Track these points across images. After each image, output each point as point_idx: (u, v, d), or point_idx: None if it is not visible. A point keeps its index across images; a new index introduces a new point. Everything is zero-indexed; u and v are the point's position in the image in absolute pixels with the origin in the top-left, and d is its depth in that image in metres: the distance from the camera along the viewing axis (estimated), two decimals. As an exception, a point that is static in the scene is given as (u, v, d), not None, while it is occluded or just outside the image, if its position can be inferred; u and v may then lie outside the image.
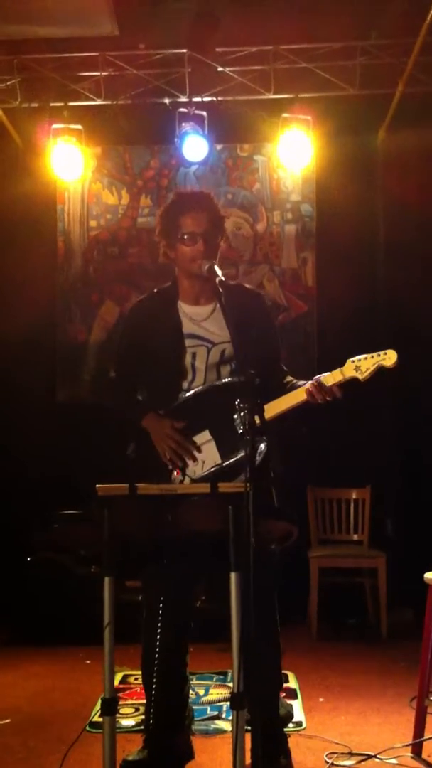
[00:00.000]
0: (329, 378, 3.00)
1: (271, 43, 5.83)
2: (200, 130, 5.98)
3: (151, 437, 3.15)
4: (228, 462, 3.04)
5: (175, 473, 3.09)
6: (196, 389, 3.19)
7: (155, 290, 3.42)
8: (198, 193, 3.41)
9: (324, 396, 2.99)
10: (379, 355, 2.95)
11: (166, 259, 3.36)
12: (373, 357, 2.96)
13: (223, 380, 3.17)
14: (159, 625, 3.16)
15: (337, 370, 3.00)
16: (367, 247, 6.41)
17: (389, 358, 2.94)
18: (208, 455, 3.09)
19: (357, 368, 2.96)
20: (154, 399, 3.25)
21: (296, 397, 3.05)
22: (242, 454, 2.92)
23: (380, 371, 2.94)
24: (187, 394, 3.19)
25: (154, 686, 3.18)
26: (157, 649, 3.18)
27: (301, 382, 3.16)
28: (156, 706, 3.18)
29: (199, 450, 3.10)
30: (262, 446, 2.97)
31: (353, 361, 2.98)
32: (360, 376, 2.96)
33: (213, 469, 3.06)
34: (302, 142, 5.93)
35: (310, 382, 3.05)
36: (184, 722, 3.30)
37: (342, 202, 6.31)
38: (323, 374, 3.03)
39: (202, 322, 3.26)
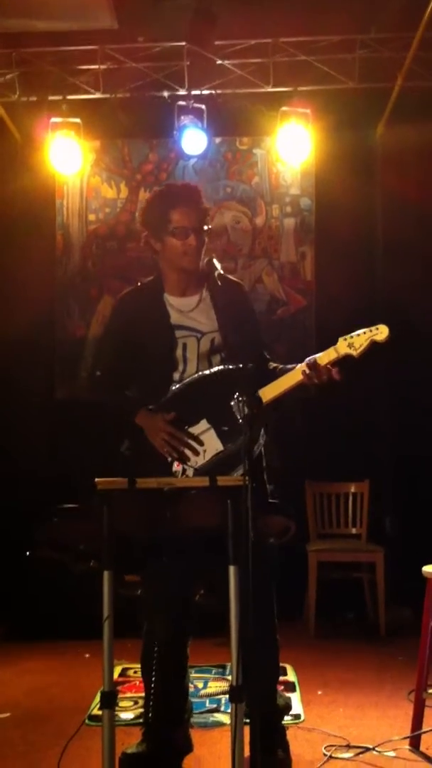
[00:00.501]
0: (323, 357, 3.00)
1: (270, 36, 5.82)
2: (199, 123, 5.98)
3: (145, 433, 3.14)
4: (230, 446, 3.02)
5: (176, 465, 3.09)
6: (187, 379, 3.18)
7: (138, 284, 3.41)
8: (187, 185, 3.40)
9: (320, 376, 2.98)
10: (371, 330, 2.98)
11: (149, 250, 3.33)
12: (365, 333, 2.97)
13: (216, 368, 3.16)
14: (158, 618, 3.17)
15: (331, 349, 3.00)
16: (365, 241, 6.40)
17: (381, 332, 2.97)
18: (208, 444, 3.08)
19: (350, 345, 2.97)
20: (145, 393, 3.24)
21: (292, 378, 3.04)
22: (242, 439, 2.94)
23: (374, 347, 2.96)
24: (179, 385, 3.18)
25: (153, 679, 3.18)
26: (156, 643, 3.18)
27: (290, 366, 3.15)
28: (155, 700, 3.19)
29: (197, 440, 3.08)
30: (261, 436, 2.97)
31: (345, 339, 2.99)
32: (354, 353, 2.96)
33: (215, 456, 3.05)
34: (301, 135, 5.92)
35: (303, 363, 3.04)
36: (183, 715, 3.30)
37: (341, 195, 6.30)
38: (317, 354, 3.02)
39: (190, 313, 3.26)
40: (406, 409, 6.05)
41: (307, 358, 3.03)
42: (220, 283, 3.20)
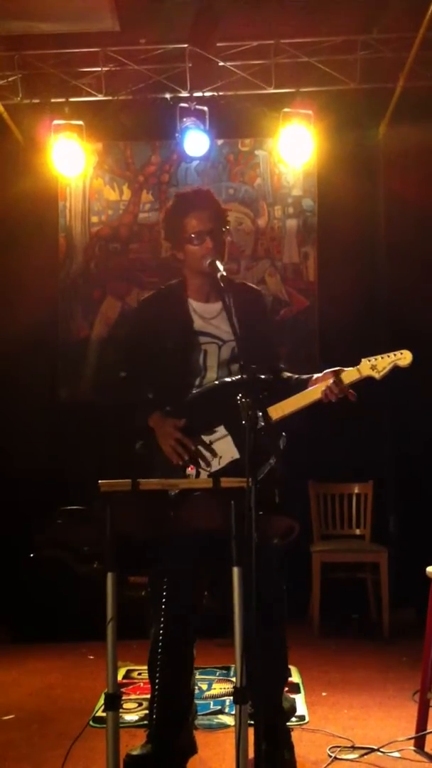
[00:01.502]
0: (346, 376, 3.05)
1: (271, 38, 5.83)
2: (201, 125, 5.98)
3: (156, 436, 3.17)
4: (237, 458, 3.05)
5: (189, 469, 3.11)
6: (207, 386, 3.21)
7: (162, 287, 3.43)
8: (198, 191, 3.39)
9: (339, 395, 3.04)
10: (395, 354, 3.04)
11: (175, 262, 3.37)
12: (389, 356, 3.04)
13: (237, 377, 3.17)
14: (163, 620, 3.17)
15: (354, 369, 3.06)
16: (368, 241, 6.40)
17: (405, 357, 3.03)
18: (224, 450, 3.11)
19: (373, 367, 3.04)
20: (165, 396, 3.26)
21: (311, 395, 3.08)
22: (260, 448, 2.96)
23: (395, 370, 3.03)
24: (198, 391, 3.21)
25: (157, 681, 3.19)
26: (161, 644, 3.19)
27: (305, 377, 3.20)
28: (159, 701, 3.19)
29: (208, 448, 3.11)
30: (282, 443, 3.01)
31: (369, 360, 3.05)
32: (377, 375, 3.04)
33: (230, 464, 3.08)
34: (303, 136, 5.93)
35: (320, 376, 3.09)
36: (187, 717, 3.30)
37: (343, 196, 6.30)
38: (336, 369, 3.06)
39: (212, 320, 3.27)
40: (410, 410, 6.05)
41: (325, 372, 3.08)
42: (233, 290, 3.21)
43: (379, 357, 3.05)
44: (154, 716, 3.21)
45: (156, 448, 3.17)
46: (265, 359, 3.13)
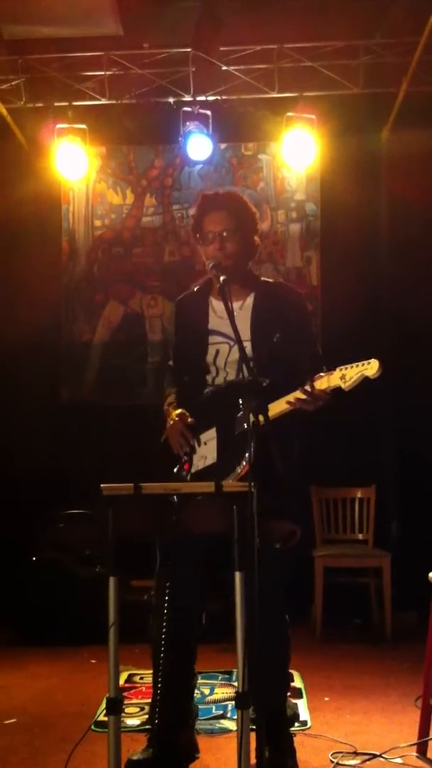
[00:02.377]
0: (318, 384, 2.95)
1: (275, 42, 5.83)
2: (204, 129, 5.99)
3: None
4: (220, 460, 3.08)
5: (185, 466, 3.15)
6: (215, 387, 3.25)
7: (196, 286, 3.46)
8: (222, 193, 3.40)
9: (316, 403, 2.96)
10: (362, 364, 2.87)
11: (199, 261, 3.46)
12: (356, 366, 2.88)
13: (237, 378, 3.19)
14: (165, 622, 3.17)
15: (325, 378, 2.94)
16: (371, 245, 6.40)
17: (371, 367, 2.85)
18: (209, 452, 3.13)
19: (342, 377, 2.90)
20: (186, 392, 3.33)
21: (279, 406, 3.01)
22: (235, 454, 2.98)
23: (366, 381, 2.87)
24: (209, 390, 3.26)
25: (159, 683, 3.18)
26: (163, 647, 3.18)
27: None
28: (161, 705, 3.19)
29: (198, 443, 3.17)
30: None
31: (340, 369, 2.92)
32: (343, 385, 2.89)
33: (209, 466, 3.11)
34: (306, 140, 5.94)
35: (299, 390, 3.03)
36: (188, 721, 3.30)
37: (346, 201, 6.30)
38: (317, 379, 2.99)
39: (227, 319, 3.25)
40: (412, 414, 6.04)
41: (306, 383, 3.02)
42: (271, 291, 3.22)
43: (348, 366, 2.90)
44: (156, 719, 3.21)
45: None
46: (291, 360, 3.12)
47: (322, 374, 2.97)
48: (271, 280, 3.52)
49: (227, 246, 3.22)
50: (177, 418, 3.22)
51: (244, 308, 3.27)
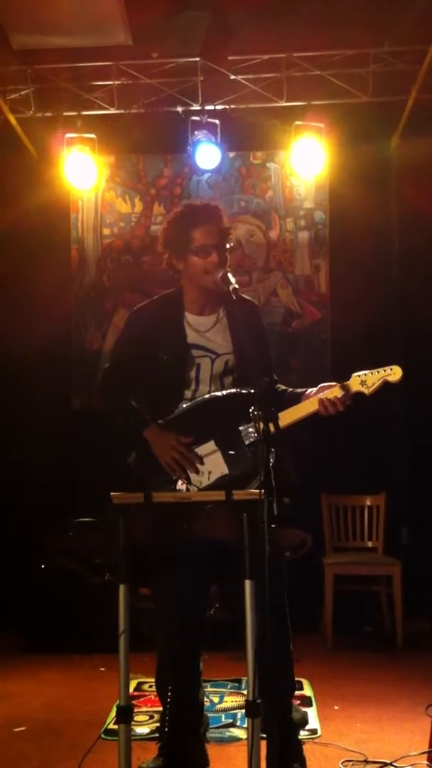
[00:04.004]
0: (335, 391, 3.01)
1: (283, 51, 5.84)
2: (213, 138, 6.01)
3: (152, 448, 3.13)
4: (234, 472, 3.03)
5: (180, 483, 3.08)
6: (197, 399, 3.18)
7: (158, 296, 3.40)
8: (207, 205, 3.37)
9: (337, 409, 3.01)
10: (384, 370, 2.98)
11: (171, 271, 3.34)
12: (378, 372, 2.98)
13: (228, 391, 3.16)
14: (170, 631, 3.17)
15: (341, 385, 3.02)
16: (380, 253, 6.41)
17: (394, 373, 2.97)
18: (214, 466, 3.07)
19: (363, 383, 2.99)
20: (153, 407, 3.24)
21: (307, 407, 3.05)
22: (249, 464, 2.95)
23: (386, 386, 2.96)
24: (189, 404, 3.18)
25: (168, 694, 3.18)
26: (169, 656, 3.19)
27: (299, 390, 3.18)
28: (171, 714, 3.19)
29: (201, 462, 3.08)
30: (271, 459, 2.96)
31: (359, 376, 3.00)
32: (366, 391, 2.98)
33: (219, 479, 3.04)
34: (315, 149, 5.94)
35: (314, 390, 3.07)
36: (199, 729, 3.30)
37: (355, 209, 6.30)
38: (325, 387, 3.04)
39: (206, 333, 3.26)
40: (422, 422, 6.04)
41: (318, 387, 3.06)
42: (236, 303, 3.20)
43: (368, 372, 2.99)
44: (166, 729, 3.21)
45: (150, 459, 3.12)
46: (260, 371, 3.07)
47: (335, 383, 3.01)
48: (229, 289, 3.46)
49: (224, 258, 3.20)
50: (173, 438, 3.09)
51: (219, 322, 3.27)
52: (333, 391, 3.02)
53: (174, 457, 3.08)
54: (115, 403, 3.33)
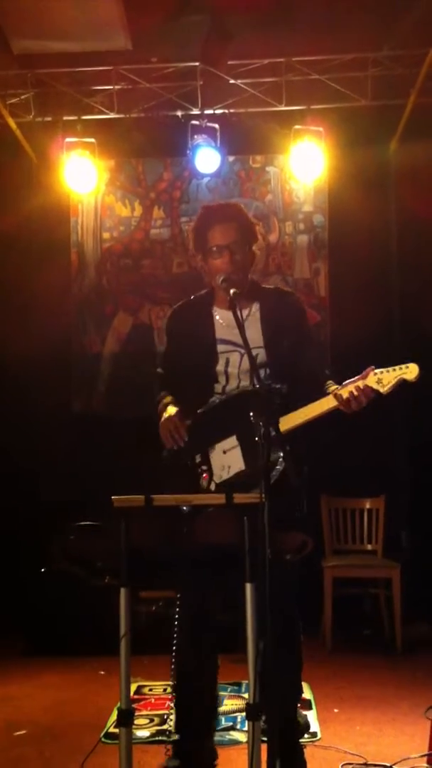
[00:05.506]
0: (348, 389, 2.99)
1: (282, 56, 5.87)
2: (212, 142, 6.02)
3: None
4: (251, 468, 3.04)
5: (204, 477, 3.12)
6: (226, 394, 3.23)
7: (192, 297, 3.46)
8: (224, 204, 3.43)
9: (359, 403, 2.97)
10: (400, 368, 2.90)
11: (203, 273, 3.39)
12: (394, 370, 2.91)
13: (256, 386, 3.17)
14: (182, 633, 3.19)
15: (360, 382, 2.96)
16: (379, 257, 6.42)
17: (411, 371, 2.88)
18: (233, 461, 3.11)
19: (379, 381, 2.92)
20: (189, 401, 3.29)
21: (323, 405, 3.03)
22: (240, 466, 3.01)
23: (402, 384, 2.90)
24: (220, 398, 3.23)
25: (184, 696, 3.23)
26: (183, 659, 3.22)
27: (333, 387, 3.12)
28: (186, 710, 3.23)
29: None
30: (280, 459, 2.96)
31: (375, 374, 2.94)
32: (381, 389, 2.92)
33: (236, 476, 3.08)
34: (314, 153, 5.96)
35: (337, 388, 3.05)
36: (211, 730, 3.33)
37: (354, 212, 6.32)
38: (346, 384, 3.02)
39: (236, 329, 3.27)
40: (423, 425, 6.04)
41: (339, 387, 3.04)
42: (273, 297, 3.23)
43: (384, 370, 2.93)
44: (182, 728, 3.25)
45: (180, 454, 3.22)
46: (298, 365, 3.14)
47: (353, 379, 3.00)
48: (270, 286, 3.54)
49: (236, 258, 3.23)
50: (173, 413, 3.21)
51: (251, 317, 3.28)
52: (350, 387, 2.98)
53: (168, 428, 3.20)
54: (156, 394, 3.43)
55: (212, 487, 3.09)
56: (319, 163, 6.05)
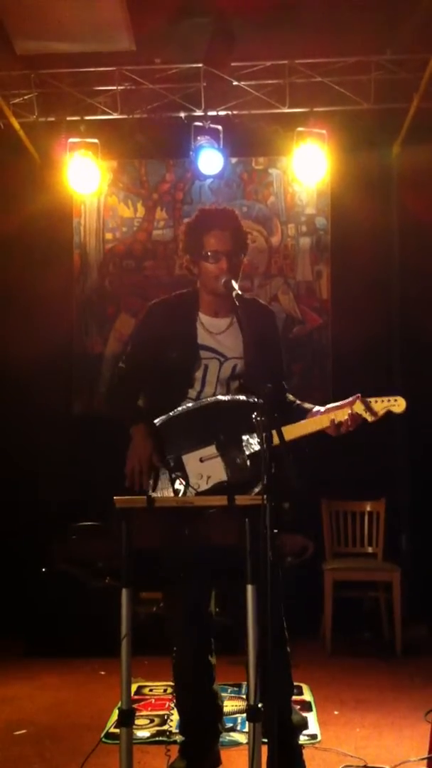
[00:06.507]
0: (339, 414, 3.03)
1: (286, 58, 5.86)
2: (215, 143, 6.02)
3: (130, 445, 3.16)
4: (233, 480, 3.03)
5: (178, 482, 3.07)
6: (201, 401, 3.19)
7: (174, 294, 3.43)
8: (222, 210, 3.40)
9: (347, 429, 3.03)
10: (389, 400, 3.02)
11: (189, 275, 3.37)
12: (383, 401, 3.02)
13: (234, 396, 3.17)
14: (179, 634, 3.19)
15: (347, 408, 3.03)
16: (381, 260, 6.42)
17: (399, 405, 3.02)
18: (213, 471, 3.07)
19: (366, 410, 3.03)
20: (158, 403, 3.23)
21: (317, 424, 3.06)
22: (247, 474, 2.96)
23: (388, 415, 3.01)
24: (193, 404, 3.18)
25: (189, 695, 3.25)
26: (183, 659, 3.23)
27: (307, 406, 3.20)
28: (192, 714, 3.25)
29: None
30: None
31: (362, 402, 3.03)
32: (369, 418, 3.03)
33: (218, 485, 3.05)
34: (317, 155, 5.96)
35: (322, 409, 3.09)
36: (218, 725, 3.35)
37: (357, 215, 6.33)
38: (333, 408, 3.06)
39: (218, 335, 3.27)
40: (422, 428, 6.03)
41: (324, 409, 3.08)
42: (246, 308, 3.21)
43: (372, 400, 3.02)
44: (189, 729, 3.27)
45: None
46: (271, 378, 3.09)
47: (341, 402, 3.04)
48: (248, 297, 3.45)
49: (231, 265, 3.22)
50: (149, 451, 3.12)
51: (232, 326, 3.28)
52: (342, 413, 3.03)
53: (134, 466, 3.11)
54: (122, 403, 3.35)
55: (189, 493, 3.04)
56: (321, 166, 6.05)
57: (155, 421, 3.17)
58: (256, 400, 2.96)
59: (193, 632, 3.23)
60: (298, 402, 3.27)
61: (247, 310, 3.23)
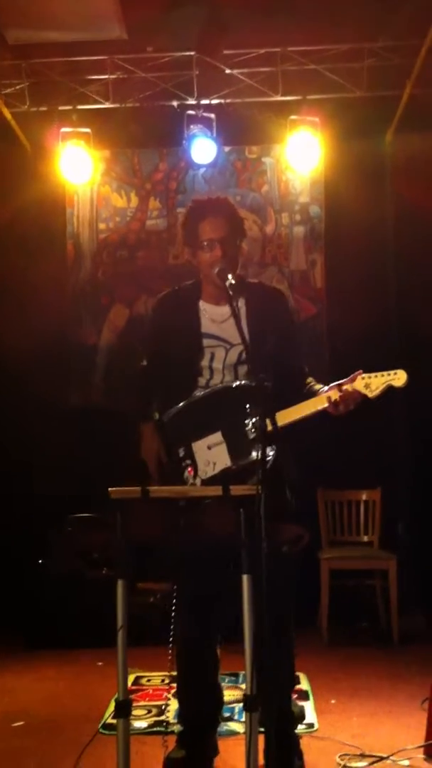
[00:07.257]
0: (333, 393, 3.01)
1: (279, 45, 5.84)
2: (208, 132, 6.00)
3: (142, 444, 3.27)
4: (237, 465, 3.03)
5: (188, 471, 3.10)
6: (210, 388, 3.20)
7: (177, 287, 3.43)
8: (214, 199, 3.40)
9: (347, 407, 2.99)
10: (389, 374, 2.96)
11: (190, 265, 3.38)
12: (383, 375, 2.96)
13: (239, 382, 3.17)
14: (183, 623, 3.20)
15: (348, 386, 2.99)
16: (376, 248, 6.41)
17: (399, 378, 2.95)
18: (218, 457, 3.08)
19: (367, 386, 2.97)
20: (172, 393, 3.26)
21: (314, 405, 3.03)
22: (251, 458, 2.95)
23: (390, 390, 2.95)
24: (202, 392, 3.20)
25: (189, 686, 3.25)
26: (185, 648, 3.24)
27: (318, 386, 3.17)
28: (192, 704, 3.26)
29: (188, 451, 3.14)
30: (270, 453, 2.93)
31: (363, 378, 2.98)
32: (369, 394, 2.96)
33: (222, 472, 3.05)
34: (310, 143, 5.95)
35: (327, 388, 3.06)
36: (217, 717, 3.36)
37: (350, 203, 6.31)
38: (334, 387, 3.03)
39: (222, 323, 3.26)
40: (419, 416, 6.04)
41: (327, 387, 3.05)
42: (258, 293, 3.22)
43: (372, 375, 2.97)
44: (187, 719, 3.28)
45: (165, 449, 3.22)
46: (281, 363, 3.12)
47: (340, 381, 3.00)
48: (255, 281, 3.49)
49: (226, 253, 3.21)
50: (156, 448, 3.23)
51: (238, 310, 3.28)
52: (336, 390, 3.00)
53: (152, 459, 3.23)
54: (140, 400, 3.42)
55: (197, 482, 3.06)
56: (315, 154, 6.04)
57: (170, 410, 3.21)
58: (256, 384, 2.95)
59: (193, 623, 3.22)
60: (310, 384, 3.24)
61: (253, 295, 3.24)
